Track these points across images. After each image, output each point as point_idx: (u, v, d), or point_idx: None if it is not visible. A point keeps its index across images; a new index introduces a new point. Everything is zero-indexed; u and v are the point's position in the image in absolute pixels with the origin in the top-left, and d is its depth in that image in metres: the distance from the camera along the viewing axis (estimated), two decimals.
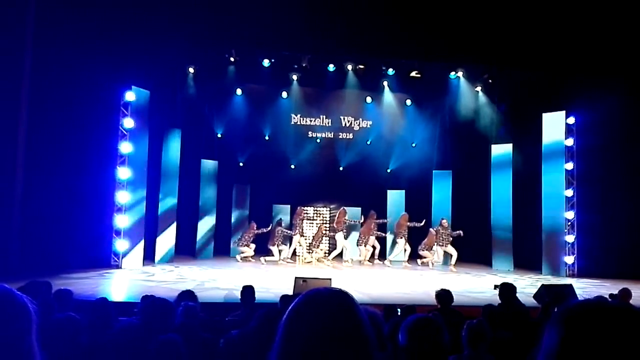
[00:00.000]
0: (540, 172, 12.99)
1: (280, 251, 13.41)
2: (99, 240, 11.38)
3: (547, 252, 12.73)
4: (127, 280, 10.12)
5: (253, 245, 13.39)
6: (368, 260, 13.63)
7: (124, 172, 11.58)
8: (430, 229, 13.49)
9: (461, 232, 13.19)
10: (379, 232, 13.85)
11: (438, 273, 12.42)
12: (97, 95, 11.08)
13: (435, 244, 13.29)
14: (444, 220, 13.40)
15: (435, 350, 2.53)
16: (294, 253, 14.01)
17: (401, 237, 13.51)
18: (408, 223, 13.63)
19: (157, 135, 12.62)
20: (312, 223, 14.18)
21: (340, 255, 13.61)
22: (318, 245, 13.70)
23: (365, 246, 13.56)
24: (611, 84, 11.67)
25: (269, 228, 13.48)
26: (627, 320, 0.99)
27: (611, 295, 6.61)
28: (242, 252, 13.30)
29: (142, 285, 9.23)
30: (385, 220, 14.12)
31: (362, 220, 13.86)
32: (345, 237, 13.68)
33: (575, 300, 1.17)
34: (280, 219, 13.83)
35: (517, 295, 5.90)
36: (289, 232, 13.52)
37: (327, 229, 14.18)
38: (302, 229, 13.79)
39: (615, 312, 1.01)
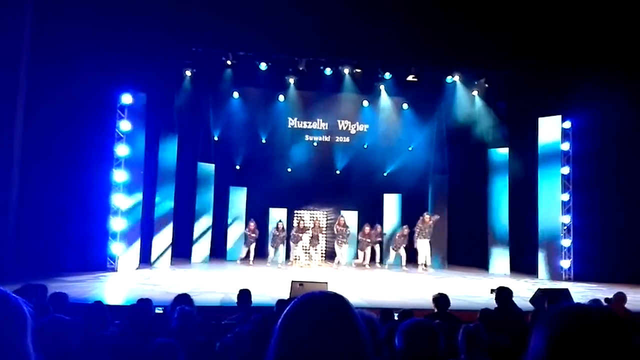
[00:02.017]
0: (537, 176, 13.02)
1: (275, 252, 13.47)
2: (95, 243, 11.34)
3: (543, 256, 12.74)
4: (122, 283, 10.08)
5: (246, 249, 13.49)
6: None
7: (120, 175, 11.55)
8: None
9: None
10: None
11: (434, 277, 12.42)
12: (93, 98, 11.07)
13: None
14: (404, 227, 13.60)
15: (431, 354, 2.53)
16: (287, 257, 14.03)
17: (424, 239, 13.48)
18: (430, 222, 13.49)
19: (154, 138, 12.60)
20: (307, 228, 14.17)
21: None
22: (315, 249, 13.74)
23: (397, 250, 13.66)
24: (608, 89, 11.69)
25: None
26: (608, 324, 1.04)
27: (606, 299, 6.62)
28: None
29: (138, 289, 9.20)
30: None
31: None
32: (344, 243, 13.66)
33: (561, 303, 1.20)
34: (280, 220, 13.79)
35: (514, 299, 5.90)
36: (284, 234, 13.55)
37: (325, 233, 14.19)
38: (300, 235, 13.78)
39: (597, 316, 1.05)
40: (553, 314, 1.07)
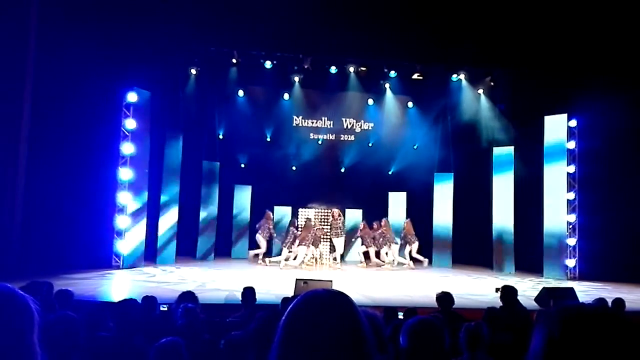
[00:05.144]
0: (542, 175, 12.97)
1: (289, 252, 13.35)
2: (100, 240, 11.39)
3: (548, 255, 12.69)
4: (128, 281, 10.12)
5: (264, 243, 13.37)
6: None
7: (125, 173, 11.59)
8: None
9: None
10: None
11: (439, 276, 12.41)
12: (99, 96, 11.10)
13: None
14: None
15: (436, 352, 2.53)
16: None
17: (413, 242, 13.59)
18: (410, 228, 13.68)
19: (159, 136, 12.63)
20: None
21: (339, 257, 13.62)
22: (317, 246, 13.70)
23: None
24: (614, 87, 11.64)
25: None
26: (606, 323, 1.04)
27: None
28: (257, 249, 13.30)
29: (143, 286, 9.23)
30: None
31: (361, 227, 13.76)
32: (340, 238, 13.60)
33: (561, 303, 1.20)
34: (294, 219, 13.70)
35: (519, 298, 5.89)
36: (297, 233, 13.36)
37: (329, 231, 14.15)
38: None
39: (596, 317, 1.06)
40: (552, 314, 1.07)
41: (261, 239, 13.30)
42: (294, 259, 12.90)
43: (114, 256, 11.48)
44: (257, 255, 13.34)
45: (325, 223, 14.49)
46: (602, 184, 12.49)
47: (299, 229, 13.28)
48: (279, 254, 13.19)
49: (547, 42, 12.18)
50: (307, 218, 13.67)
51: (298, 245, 12.79)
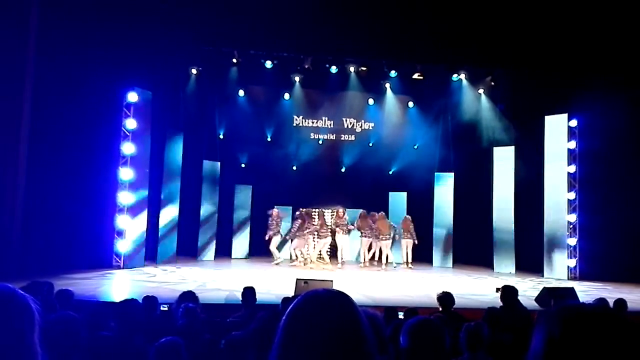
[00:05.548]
0: (543, 175, 12.96)
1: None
2: (101, 240, 11.39)
3: (548, 255, 12.70)
4: (128, 281, 10.13)
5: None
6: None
7: (126, 173, 11.59)
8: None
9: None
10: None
11: (439, 276, 12.41)
12: (99, 96, 11.09)
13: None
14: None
15: (436, 352, 2.53)
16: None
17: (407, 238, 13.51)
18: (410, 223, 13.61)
19: (160, 136, 12.62)
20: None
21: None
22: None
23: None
24: (614, 87, 11.64)
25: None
26: (607, 323, 1.03)
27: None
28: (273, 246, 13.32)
29: (144, 286, 9.23)
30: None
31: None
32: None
33: (562, 303, 1.20)
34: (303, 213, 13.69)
35: (519, 298, 5.89)
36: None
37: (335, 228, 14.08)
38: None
39: (597, 317, 1.05)
40: (552, 314, 1.07)
41: (275, 239, 13.35)
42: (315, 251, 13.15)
43: (114, 256, 11.48)
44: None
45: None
46: (603, 184, 12.49)
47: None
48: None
49: (548, 42, 12.17)
50: (305, 210, 13.47)
51: (318, 238, 12.98)
